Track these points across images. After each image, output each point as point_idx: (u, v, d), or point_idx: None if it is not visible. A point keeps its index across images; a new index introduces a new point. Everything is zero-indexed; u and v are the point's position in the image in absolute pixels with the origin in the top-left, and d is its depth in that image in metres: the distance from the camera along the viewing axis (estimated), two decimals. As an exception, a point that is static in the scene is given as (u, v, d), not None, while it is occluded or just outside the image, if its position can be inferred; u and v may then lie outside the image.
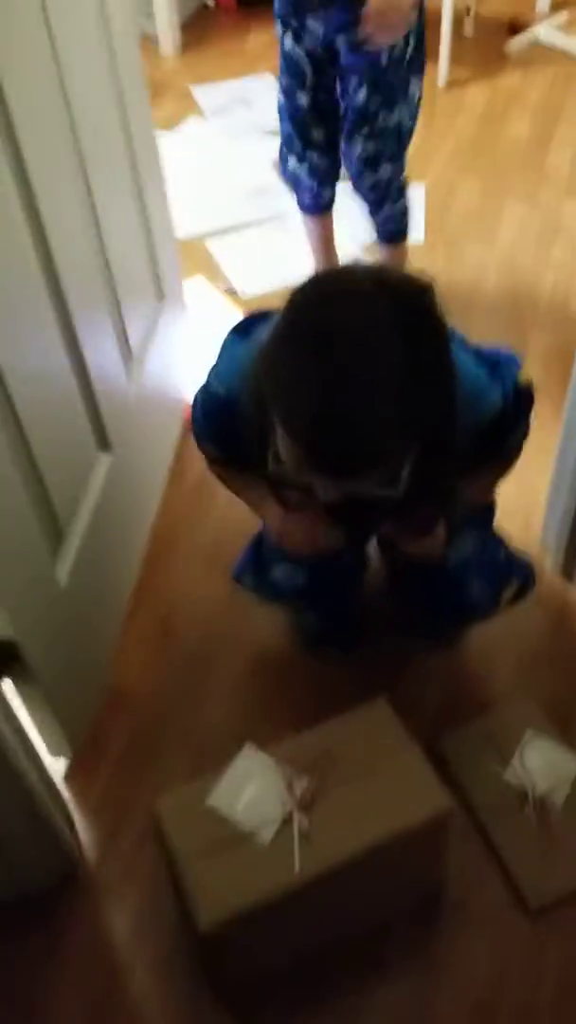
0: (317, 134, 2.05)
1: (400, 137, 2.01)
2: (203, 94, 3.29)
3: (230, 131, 3.14)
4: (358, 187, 2.11)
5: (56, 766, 1.61)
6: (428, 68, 3.23)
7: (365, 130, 1.97)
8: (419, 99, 1.99)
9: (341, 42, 1.88)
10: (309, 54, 1.92)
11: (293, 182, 2.19)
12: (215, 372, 1.33)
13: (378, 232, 2.27)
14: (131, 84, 1.64)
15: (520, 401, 1.33)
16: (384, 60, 1.87)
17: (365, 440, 1.00)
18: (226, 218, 2.77)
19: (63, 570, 1.50)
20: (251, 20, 3.61)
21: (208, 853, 1.21)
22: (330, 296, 1.02)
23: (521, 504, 1.89)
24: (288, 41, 1.93)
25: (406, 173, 2.13)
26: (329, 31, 1.87)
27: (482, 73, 3.26)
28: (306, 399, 0.99)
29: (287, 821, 1.22)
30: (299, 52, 1.92)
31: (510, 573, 1.54)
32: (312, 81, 1.96)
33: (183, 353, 2.11)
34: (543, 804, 1.50)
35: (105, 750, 1.65)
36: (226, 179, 2.94)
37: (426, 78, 3.21)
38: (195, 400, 1.42)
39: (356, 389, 0.97)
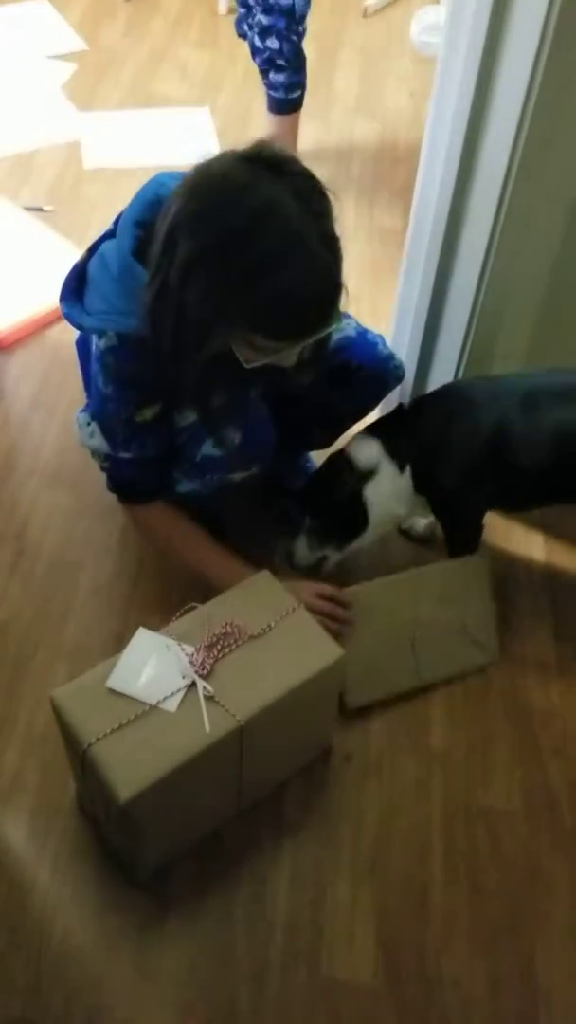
0: (239, 6, 2.36)
1: (291, 16, 2.26)
2: (-27, 17, 3.13)
3: (7, 56, 3.00)
4: (253, 53, 2.39)
5: None
6: (209, -1, 3.28)
7: (259, 4, 2.24)
8: None
9: None
10: None
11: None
12: (102, 336, 1.34)
13: (267, 101, 2.48)
14: None
15: None
16: None
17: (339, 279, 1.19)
18: (18, 141, 2.67)
19: None
20: None
21: (115, 731, 1.22)
22: (236, 194, 1.12)
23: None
24: None
25: (299, 50, 2.35)
26: None
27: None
28: (299, 276, 1.14)
29: (190, 689, 1.26)
30: None
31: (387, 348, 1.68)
32: None
33: None
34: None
35: (-27, 672, 1.60)
36: (11, 104, 2.82)
37: (205, 4, 3.27)
38: (99, 406, 1.43)
39: (318, 247, 1.15)
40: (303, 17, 2.29)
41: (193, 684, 1.26)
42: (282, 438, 1.58)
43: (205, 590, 1.43)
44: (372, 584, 1.57)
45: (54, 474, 1.88)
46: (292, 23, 2.27)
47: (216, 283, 1.14)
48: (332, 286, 1.19)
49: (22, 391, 2.04)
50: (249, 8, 2.33)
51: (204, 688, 1.25)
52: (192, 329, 1.19)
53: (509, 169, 1.49)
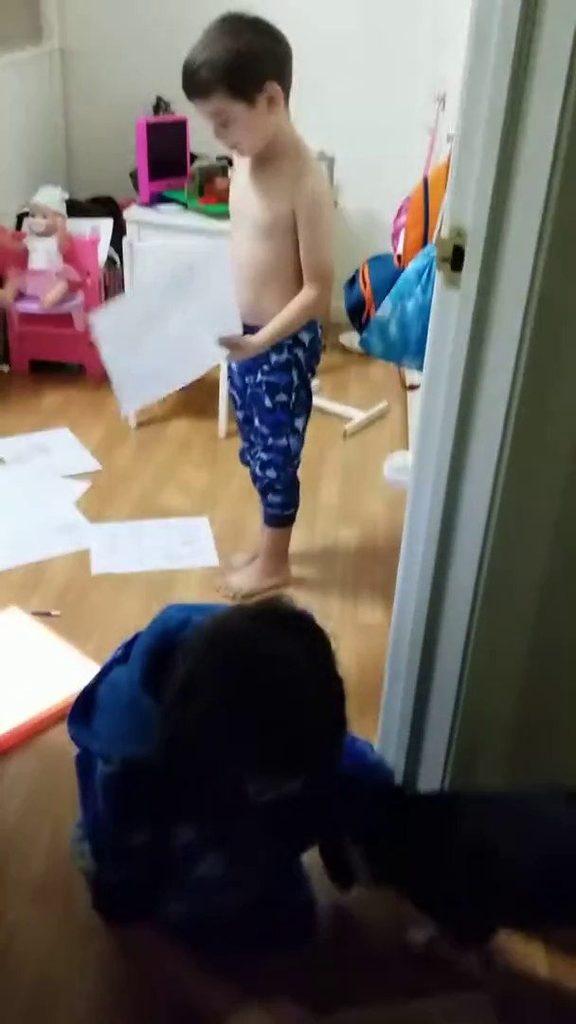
0: (242, 440, 2.76)
1: (287, 453, 2.60)
2: (3, 445, 3.57)
3: (30, 476, 3.40)
4: (254, 479, 2.73)
5: None
6: (207, 423, 3.77)
7: (260, 443, 2.59)
8: (304, 428, 2.61)
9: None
10: (234, 385, 2.65)
11: None
12: (107, 762, 1.40)
13: (263, 516, 2.74)
14: None
15: None
16: (269, 404, 2.49)
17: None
18: (33, 552, 2.93)
19: None
20: (44, 382, 4.06)
21: None
22: (251, 651, 1.25)
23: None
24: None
25: (294, 479, 2.68)
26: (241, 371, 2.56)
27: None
28: (312, 724, 1.25)
29: None
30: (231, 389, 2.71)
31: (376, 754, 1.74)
32: (240, 402, 2.66)
33: None
34: None
35: None
36: (29, 518, 3.14)
37: (206, 430, 3.74)
38: (102, 835, 1.49)
39: (327, 695, 1.29)
40: (297, 453, 2.64)
41: None
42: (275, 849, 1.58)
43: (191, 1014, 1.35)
44: (355, 1014, 1.50)
45: (41, 886, 1.82)
46: (288, 458, 2.62)
47: (233, 733, 1.22)
48: (341, 725, 1.30)
49: (14, 796, 2.04)
50: (251, 443, 2.71)
51: None
52: (208, 771, 1.26)
53: (477, 583, 1.65)
